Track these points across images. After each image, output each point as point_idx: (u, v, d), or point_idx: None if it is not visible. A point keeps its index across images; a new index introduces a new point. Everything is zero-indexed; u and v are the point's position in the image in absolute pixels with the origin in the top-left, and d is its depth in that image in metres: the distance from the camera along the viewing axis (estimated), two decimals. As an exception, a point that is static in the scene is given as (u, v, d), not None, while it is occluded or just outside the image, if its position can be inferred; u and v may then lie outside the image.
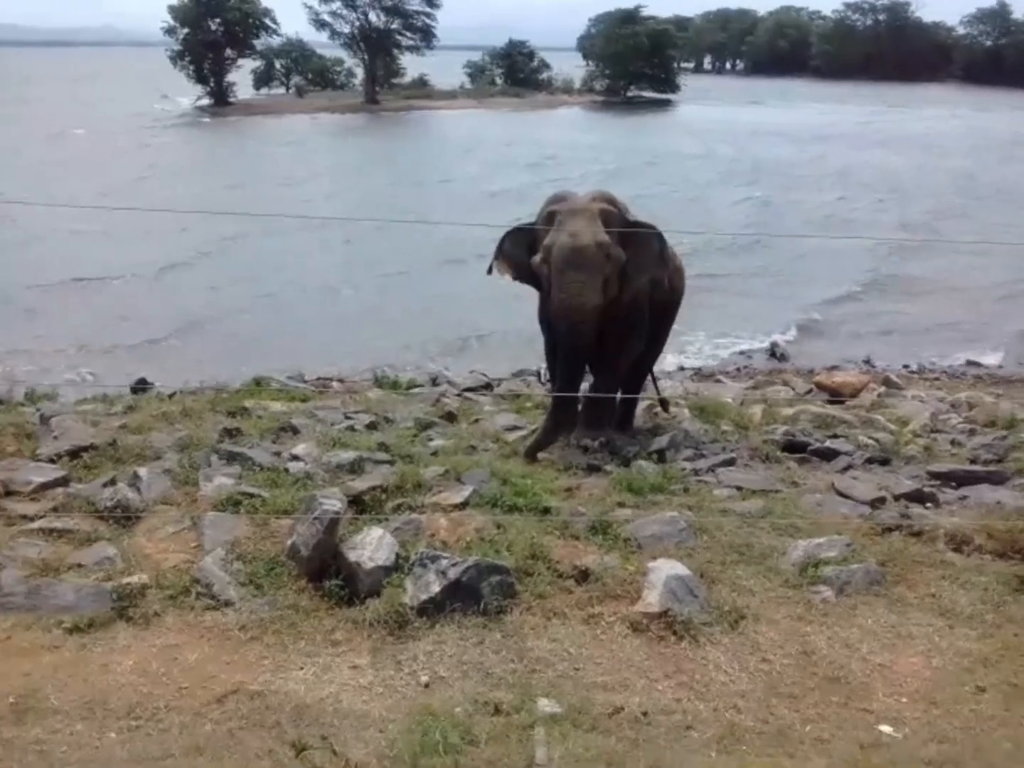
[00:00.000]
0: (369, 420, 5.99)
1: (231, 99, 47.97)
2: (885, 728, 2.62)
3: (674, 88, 61.84)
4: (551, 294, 5.15)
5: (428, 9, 52.43)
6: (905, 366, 11.58)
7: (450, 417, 6.55)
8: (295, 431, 5.56)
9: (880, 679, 2.89)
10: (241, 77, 49.91)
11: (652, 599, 3.20)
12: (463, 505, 4.08)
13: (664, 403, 6.62)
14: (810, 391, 8.96)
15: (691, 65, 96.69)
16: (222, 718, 2.61)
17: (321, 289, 13.96)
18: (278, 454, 4.85)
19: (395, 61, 53.95)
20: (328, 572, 3.38)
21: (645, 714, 2.63)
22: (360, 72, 53.36)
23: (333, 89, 54.59)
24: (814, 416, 7.11)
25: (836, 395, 8.73)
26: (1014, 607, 3.28)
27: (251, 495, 4.02)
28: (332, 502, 3.51)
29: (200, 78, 47.57)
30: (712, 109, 53.33)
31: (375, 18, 51.10)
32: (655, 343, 6.01)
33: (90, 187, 19.75)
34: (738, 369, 11.26)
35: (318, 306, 13.08)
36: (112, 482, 4.12)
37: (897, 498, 4.52)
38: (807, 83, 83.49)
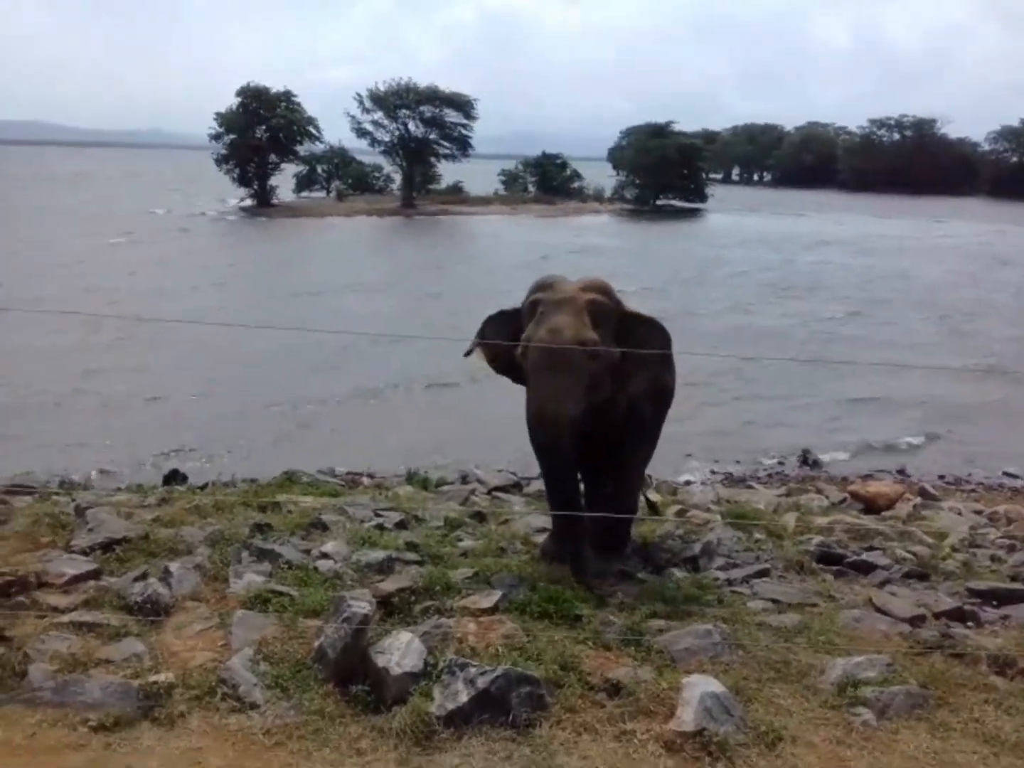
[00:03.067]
0: (399, 518, 5.97)
1: (274, 201, 49.78)
2: (932, 865, 2.49)
3: (703, 197, 63.39)
4: (526, 395, 4.48)
5: (465, 121, 54.58)
6: (941, 477, 11.41)
7: (480, 517, 6.51)
8: (324, 527, 5.55)
9: (926, 810, 2.76)
10: (283, 180, 51.91)
11: (687, 717, 3.10)
12: (492, 610, 4.02)
13: (653, 506, 6.18)
14: (844, 500, 8.83)
15: (719, 176, 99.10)
16: (244, 829, 2.54)
17: (361, 392, 14.19)
18: (307, 551, 4.84)
19: (432, 168, 55.94)
20: (355, 676, 3.33)
21: (680, 841, 2.53)
22: (398, 177, 55.35)
23: (372, 193, 56.56)
24: (849, 526, 6.98)
25: (871, 505, 8.60)
26: (1063, 736, 3.14)
27: (280, 593, 4.01)
28: (361, 604, 3.48)
29: (244, 180, 49.56)
30: (740, 218, 54.38)
31: (414, 128, 53.26)
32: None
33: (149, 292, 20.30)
34: (770, 475, 11.16)
35: (359, 407, 13.32)
36: (143, 576, 4.12)
37: (937, 616, 4.40)
38: (834, 195, 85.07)
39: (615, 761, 2.93)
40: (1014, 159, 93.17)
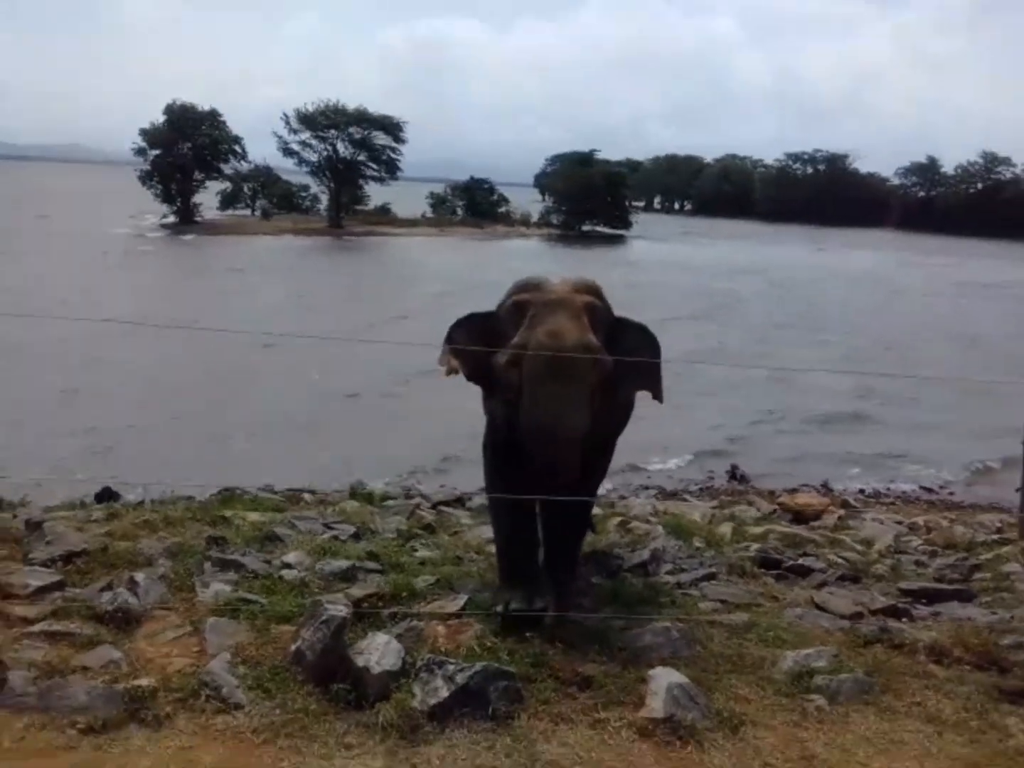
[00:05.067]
0: (352, 530, 6.03)
1: (197, 218, 49.04)
2: (889, 829, 2.71)
3: (627, 224, 64.81)
4: (522, 409, 3.93)
5: (394, 144, 54.76)
6: (861, 490, 12.01)
7: (429, 529, 6.62)
8: (279, 540, 5.59)
9: (879, 783, 2.99)
10: (207, 198, 51.22)
11: (656, 705, 3.28)
12: (458, 614, 4.15)
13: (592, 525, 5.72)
14: (774, 511, 9.19)
15: (642, 203, 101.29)
16: (243, 819, 2.61)
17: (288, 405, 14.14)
18: (268, 562, 4.88)
19: (360, 189, 55.92)
20: (334, 677, 3.41)
21: (661, 816, 2.70)
22: (325, 197, 55.14)
23: (298, 212, 56.21)
24: (782, 535, 7.31)
25: (799, 516, 8.99)
26: (996, 715, 3.43)
27: (249, 601, 4.06)
28: (338, 608, 3.57)
29: (167, 197, 48.73)
30: (662, 245, 55.76)
31: (343, 149, 53.22)
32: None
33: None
34: (701, 489, 11.56)
35: (287, 420, 13.24)
36: (109, 587, 4.12)
37: (874, 612, 4.68)
38: (750, 224, 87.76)
39: (592, 747, 3.09)
40: (921, 193, 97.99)
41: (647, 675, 3.46)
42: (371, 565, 4.87)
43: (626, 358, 4.08)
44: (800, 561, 5.97)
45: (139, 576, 4.24)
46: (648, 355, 4.26)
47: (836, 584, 5.52)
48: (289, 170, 57.27)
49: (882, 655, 3.92)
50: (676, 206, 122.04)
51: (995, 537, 8.27)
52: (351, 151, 53.45)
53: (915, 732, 3.31)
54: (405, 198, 56.51)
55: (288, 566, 4.71)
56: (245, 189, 57.46)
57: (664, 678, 3.41)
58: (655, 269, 39.14)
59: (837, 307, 30.52)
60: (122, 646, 3.60)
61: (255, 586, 4.31)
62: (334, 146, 52.97)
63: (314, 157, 53.04)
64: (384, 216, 56.11)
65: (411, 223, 55.44)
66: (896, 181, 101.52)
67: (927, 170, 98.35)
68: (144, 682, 3.24)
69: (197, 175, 49.64)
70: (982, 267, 49.24)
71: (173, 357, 15.97)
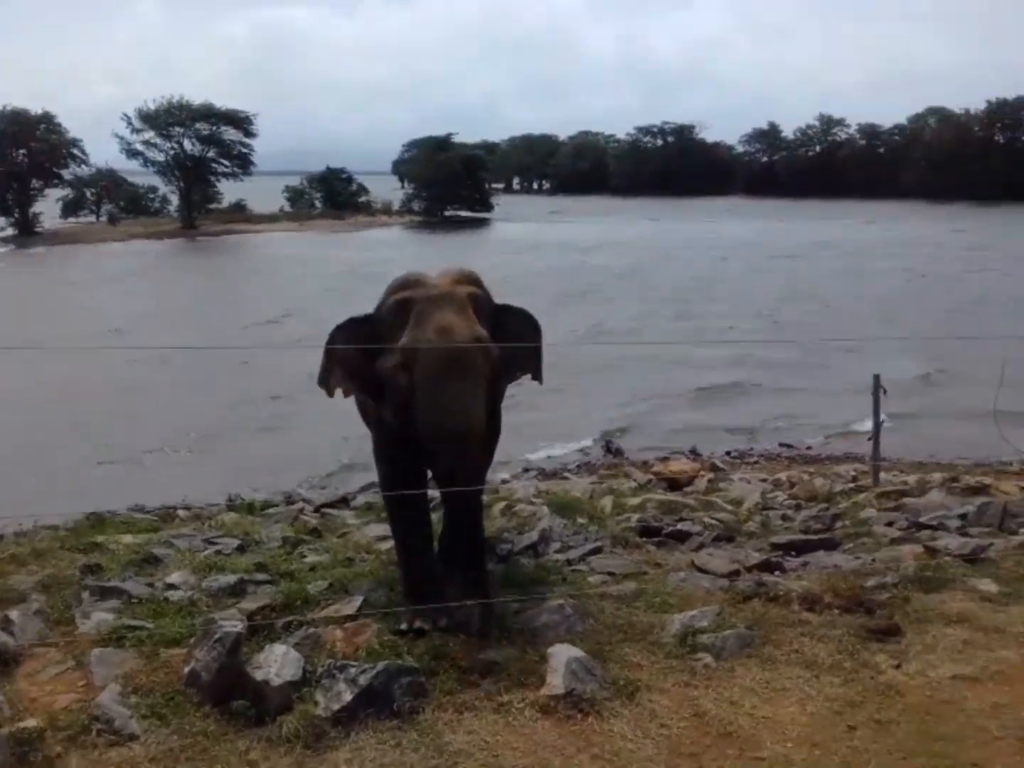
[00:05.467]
0: (236, 543, 5.90)
1: (38, 229, 46.20)
2: (779, 771, 2.92)
3: (488, 207, 65.27)
4: (419, 411, 3.82)
5: (244, 138, 53.08)
6: (727, 452, 12.59)
7: (315, 533, 6.55)
8: (158, 561, 5.41)
9: (766, 730, 3.20)
10: (47, 206, 48.28)
11: (556, 681, 3.40)
12: (355, 616, 4.15)
13: None
14: (650, 481, 9.54)
15: (501, 185, 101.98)
16: (151, 850, 2.56)
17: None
18: (151, 585, 4.73)
19: (212, 187, 53.96)
20: (232, 695, 3.36)
21: (569, 787, 2.81)
22: (175, 198, 52.95)
23: (147, 215, 53.77)
24: (659, 503, 7.64)
25: (673, 483, 9.39)
26: (866, 654, 3.72)
27: (135, 628, 3.93)
28: (233, 624, 3.52)
29: (3, 209, 45.73)
30: (522, 226, 56.37)
31: (190, 146, 51.24)
32: None
33: None
34: (578, 466, 11.86)
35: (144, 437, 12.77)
36: (-20, 629, 3.91)
37: (749, 569, 4.96)
38: (607, 200, 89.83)
39: (497, 731, 3.17)
40: (764, 159, 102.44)
41: (546, 653, 3.57)
42: (260, 576, 4.79)
43: (513, 344, 4.09)
44: (678, 527, 6.24)
45: (13, 614, 4.03)
46: (531, 340, 4.27)
47: (713, 545, 5.81)
48: (135, 171, 54.83)
49: (760, 608, 4.17)
50: (535, 186, 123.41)
51: (851, 486, 8.87)
52: (199, 148, 51.60)
53: (795, 678, 3.54)
54: (260, 193, 54.92)
55: (173, 587, 4.57)
56: (88, 195, 54.45)
57: (563, 654, 3.53)
58: (525, 251, 39.59)
59: (705, 279, 31.67)
60: (1, 688, 3.42)
61: (140, 611, 4.18)
62: (181, 144, 51.04)
63: (160, 157, 51.08)
64: (240, 213, 54.43)
65: (269, 219, 53.99)
66: (741, 148, 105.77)
67: (768, 136, 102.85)
68: (30, 723, 3.10)
69: (35, 183, 46.70)
70: (822, 228, 52.06)
71: (28, 380, 15.05)
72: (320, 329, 4.35)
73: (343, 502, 8.82)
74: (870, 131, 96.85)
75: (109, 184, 53.91)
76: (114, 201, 54.57)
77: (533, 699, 3.34)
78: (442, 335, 3.82)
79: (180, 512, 8.97)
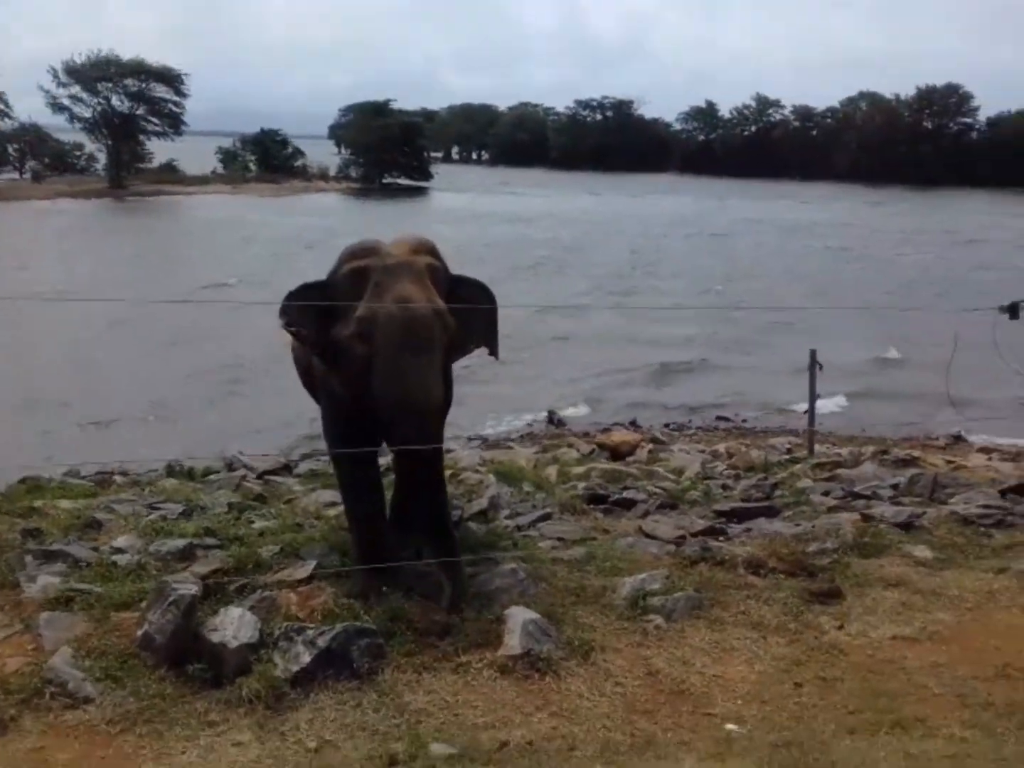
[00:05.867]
0: (181, 509, 5.82)
1: (-46, 185, 44.22)
2: (731, 726, 3.04)
3: (427, 176, 64.63)
4: (377, 383, 3.76)
5: (175, 97, 51.44)
6: (666, 424, 12.83)
7: (261, 499, 6.49)
8: (100, 525, 5.31)
9: (717, 687, 3.32)
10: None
11: (513, 642, 3.46)
12: (309, 580, 4.14)
13: None
14: (592, 451, 9.68)
15: (440, 154, 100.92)
16: (114, 810, 2.55)
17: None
18: (96, 549, 4.64)
19: (141, 146, 52.21)
20: (187, 658, 3.34)
21: (530, 743, 2.88)
22: (102, 156, 51.08)
23: (72, 173, 51.76)
24: (603, 472, 7.76)
25: (615, 453, 9.54)
26: (809, 615, 3.87)
27: (83, 591, 3.86)
28: (187, 586, 3.49)
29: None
30: (463, 196, 55.97)
31: (118, 103, 49.38)
32: None
33: None
34: (521, 436, 11.96)
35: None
36: (-81, 594, 3.80)
37: (695, 535, 5.09)
38: (545, 173, 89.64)
39: (457, 690, 3.23)
40: (700, 137, 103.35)
41: (502, 615, 3.63)
42: (209, 541, 4.73)
43: (467, 317, 4.02)
44: (624, 495, 6.37)
45: (-48, 580, 3.93)
46: (488, 313, 4.23)
47: (658, 512, 5.93)
48: (60, 127, 52.53)
49: (707, 572, 4.29)
50: (474, 156, 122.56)
51: (786, 457, 9.14)
52: (128, 105, 49.78)
53: (743, 639, 3.68)
54: (191, 154, 53.33)
55: (119, 551, 4.50)
56: (10, 150, 52.21)
57: (519, 616, 3.59)
58: (468, 221, 39.32)
59: (649, 254, 31.96)
60: (-54, 655, 3.34)
61: (87, 575, 4.10)
62: (108, 100, 49.12)
63: (87, 113, 49.13)
64: (171, 174, 52.77)
65: (201, 180, 52.51)
66: (678, 126, 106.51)
67: (706, 114, 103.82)
68: (-22, 689, 3.04)
69: (-49, 137, 44.67)
70: (759, 208, 52.94)
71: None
72: (272, 294, 4.29)
73: (286, 469, 8.73)
74: (804, 113, 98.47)
75: (33, 139, 51.77)
76: (38, 157, 52.45)
77: (491, 659, 3.40)
78: (401, 307, 3.73)
79: (117, 478, 8.76)
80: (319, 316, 3.96)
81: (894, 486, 6.54)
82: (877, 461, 8.05)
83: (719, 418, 13.30)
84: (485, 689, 3.24)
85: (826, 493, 6.46)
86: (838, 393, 13.31)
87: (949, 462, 8.71)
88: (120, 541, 4.66)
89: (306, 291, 4.06)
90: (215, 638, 3.35)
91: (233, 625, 3.41)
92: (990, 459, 9.34)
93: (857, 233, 40.11)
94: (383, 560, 3.99)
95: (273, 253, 26.48)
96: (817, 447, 9.08)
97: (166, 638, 3.34)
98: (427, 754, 2.76)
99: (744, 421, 13.14)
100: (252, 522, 5.50)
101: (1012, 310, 6.42)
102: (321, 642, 3.33)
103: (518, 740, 2.89)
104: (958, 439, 11.59)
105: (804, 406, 9.18)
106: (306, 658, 3.29)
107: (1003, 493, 6.09)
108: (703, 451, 10.17)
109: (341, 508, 5.80)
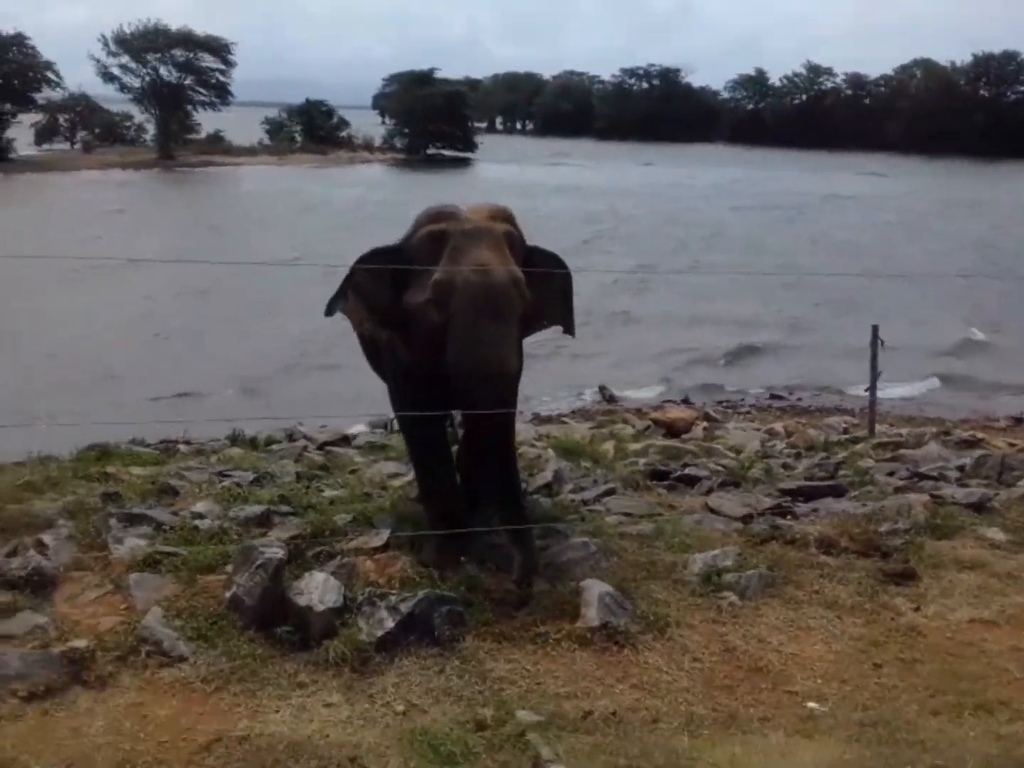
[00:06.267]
0: (252, 476, 5.94)
1: (11, 156, 44.91)
2: (812, 704, 3.06)
3: (471, 147, 64.26)
4: (453, 350, 3.70)
5: (222, 66, 51.69)
6: (719, 402, 12.75)
7: (324, 469, 6.61)
8: (175, 492, 5.45)
9: (795, 666, 3.34)
10: (21, 132, 46.89)
11: (591, 614, 3.51)
12: (384, 548, 4.22)
13: None
14: (648, 427, 9.67)
15: (484, 125, 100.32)
16: (217, 763, 2.65)
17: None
18: (175, 514, 4.78)
19: (189, 116, 52.63)
20: (275, 620, 3.44)
21: (614, 714, 2.93)
22: (151, 127, 51.60)
23: (123, 144, 52.41)
24: (661, 448, 7.75)
25: (671, 429, 9.51)
26: (885, 596, 3.87)
27: (169, 554, 3.99)
28: (274, 550, 3.58)
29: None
30: (509, 167, 55.50)
31: (166, 73, 49.78)
32: None
33: None
34: (573, 411, 11.96)
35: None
36: (15, 552, 3.94)
37: (762, 513, 5.08)
38: (591, 143, 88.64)
39: (537, 660, 3.29)
40: (749, 106, 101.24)
41: (579, 587, 3.67)
42: (284, 508, 4.84)
43: (543, 290, 3.95)
44: (686, 471, 6.36)
45: (45, 537, 4.08)
46: (563, 286, 4.17)
47: (721, 489, 5.91)
48: (110, 98, 53.18)
49: (778, 550, 4.29)
50: (518, 126, 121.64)
51: (845, 437, 9.06)
52: (176, 75, 50.11)
53: (818, 618, 3.69)
54: (238, 124, 53.70)
55: (200, 515, 4.62)
56: (62, 121, 52.95)
57: (595, 588, 3.63)
58: (515, 194, 39.00)
59: (723, 226, 31.30)
60: (44, 610, 3.49)
61: (172, 538, 4.22)
62: (157, 70, 49.45)
63: (136, 82, 49.51)
64: (218, 145, 53.07)
65: (248, 151, 52.82)
66: (726, 94, 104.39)
67: (755, 82, 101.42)
68: (79, 643, 3.17)
69: (7, 107, 45.22)
70: (810, 180, 51.60)
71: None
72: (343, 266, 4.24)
73: (344, 441, 8.87)
74: (856, 81, 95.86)
75: (83, 110, 52.44)
76: (88, 128, 53.17)
77: (569, 631, 3.45)
78: (481, 272, 3.66)
79: (181, 446, 8.98)
80: (392, 282, 3.89)
81: (960, 467, 6.45)
82: (940, 442, 7.94)
83: (773, 396, 13.17)
84: (565, 660, 3.29)
85: (891, 474, 6.39)
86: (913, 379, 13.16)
87: (1011, 444, 8.57)
88: (199, 506, 4.78)
89: (378, 255, 3.98)
90: (301, 601, 3.44)
91: (318, 589, 3.50)
92: (1054, 441, 9.17)
93: (920, 206, 38.66)
94: (457, 530, 4.02)
95: (330, 226, 26.48)
96: (877, 427, 8.97)
97: (255, 600, 3.44)
98: (514, 721, 2.82)
99: (799, 400, 13.01)
100: (321, 491, 5.61)
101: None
102: (404, 608, 3.41)
103: (602, 710, 2.95)
104: (1019, 421, 11.40)
105: (863, 387, 9.06)
106: (390, 623, 3.37)
107: (1074, 477, 5.99)
108: (758, 429, 10.11)
109: (405, 479, 5.91)
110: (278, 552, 3.55)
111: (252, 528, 4.46)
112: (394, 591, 3.53)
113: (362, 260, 4.01)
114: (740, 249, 26.32)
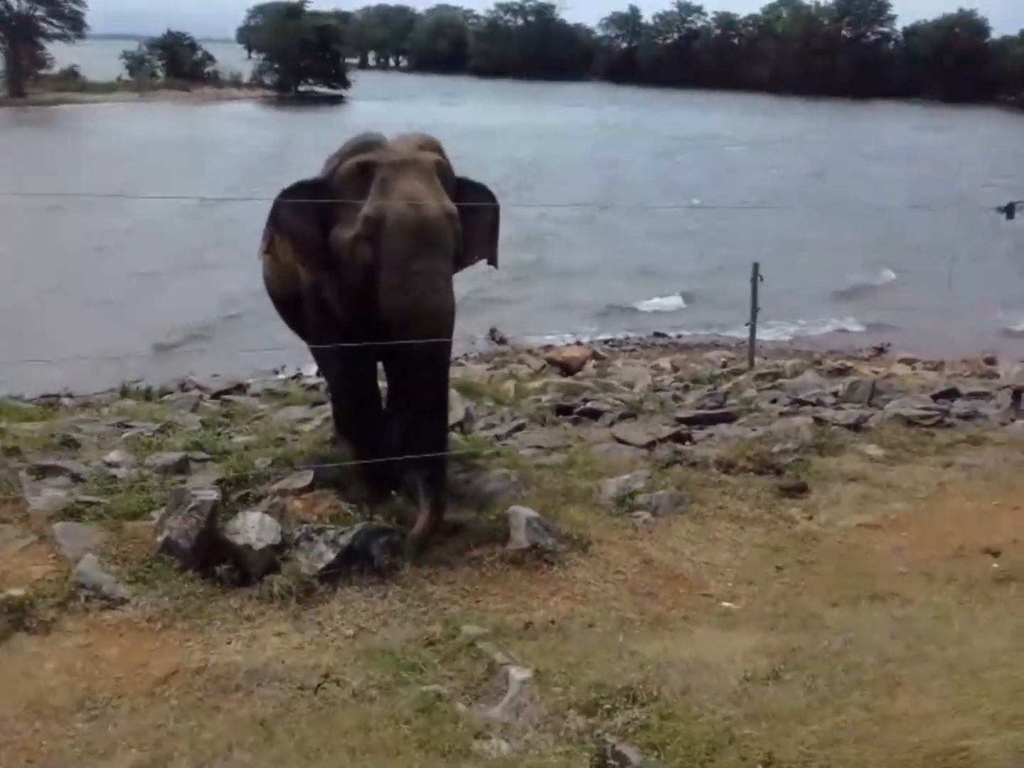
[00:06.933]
0: (156, 427, 5.85)
1: None
2: (727, 604, 3.38)
3: (345, 83, 62.26)
4: (384, 289, 3.56)
5: (76, -4, 48.13)
6: (605, 341, 13.18)
7: (228, 417, 6.57)
8: (77, 444, 5.34)
9: (707, 572, 3.67)
10: None
11: (520, 537, 3.73)
12: (309, 488, 4.30)
13: None
14: (544, 367, 9.96)
15: (356, 60, 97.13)
16: (179, 693, 2.74)
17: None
18: (87, 464, 4.70)
19: (40, 50, 48.84)
20: (212, 560, 3.50)
21: (553, 622, 3.17)
22: (-1, 63, 47.78)
23: (-35, 80, 48.29)
24: (559, 386, 8.04)
25: (566, 368, 9.85)
26: (781, 508, 4.27)
27: (90, 503, 3.96)
28: (208, 492, 3.62)
29: None
30: (386, 105, 54.07)
31: (15, 3, 45.93)
32: None
33: None
34: (465, 355, 12.12)
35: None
36: (-76, 508, 3.83)
37: (664, 440, 5.42)
38: (467, 81, 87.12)
39: (475, 580, 3.48)
40: (623, 45, 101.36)
41: (505, 514, 3.87)
42: (200, 455, 4.84)
43: (472, 224, 3.83)
44: (588, 406, 6.65)
45: (-46, 494, 3.97)
46: (492, 219, 4.05)
47: (622, 421, 6.25)
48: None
49: (683, 472, 4.63)
50: (392, 63, 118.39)
51: (726, 370, 9.59)
52: (26, 5, 46.31)
53: (724, 530, 4.04)
54: (94, 59, 50.17)
55: (115, 465, 4.57)
56: None
57: (521, 514, 3.85)
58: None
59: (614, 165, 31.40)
60: (-33, 565, 3.42)
61: (91, 488, 4.17)
62: (4, 1, 45.57)
63: (-19, 14, 45.48)
64: (73, 81, 49.56)
65: (107, 88, 49.47)
66: (600, 32, 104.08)
67: (628, 21, 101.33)
68: (16, 592, 3.15)
69: None
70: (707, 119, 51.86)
71: None
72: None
73: (239, 389, 8.78)
74: (725, 20, 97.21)
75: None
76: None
77: (502, 552, 3.65)
78: (413, 207, 3.50)
79: (64, 400, 8.67)
80: (316, 217, 3.71)
81: (834, 393, 7.00)
82: (815, 371, 8.53)
83: (656, 334, 13.70)
84: (500, 579, 3.50)
85: (774, 401, 6.88)
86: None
87: (875, 372, 9.29)
88: (112, 456, 4.72)
89: (301, 190, 3.78)
90: (239, 540, 3.51)
91: (255, 528, 3.57)
92: (914, 369, 9.99)
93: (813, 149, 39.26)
94: (385, 469, 4.07)
95: (239, 168, 25.13)
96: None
97: (191, 542, 3.48)
98: (462, 635, 3.01)
99: (679, 337, 13.57)
100: (232, 437, 5.61)
101: (1008, 210, 6.78)
102: (343, 541, 3.54)
103: (541, 620, 3.18)
104: (880, 351, 12.29)
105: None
106: (330, 556, 3.48)
107: (935, 398, 6.61)
108: (645, 366, 10.56)
109: (315, 424, 5.96)
110: (212, 494, 3.59)
111: (171, 475, 4.45)
112: (331, 526, 3.63)
113: (285, 194, 3.79)
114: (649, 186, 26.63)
